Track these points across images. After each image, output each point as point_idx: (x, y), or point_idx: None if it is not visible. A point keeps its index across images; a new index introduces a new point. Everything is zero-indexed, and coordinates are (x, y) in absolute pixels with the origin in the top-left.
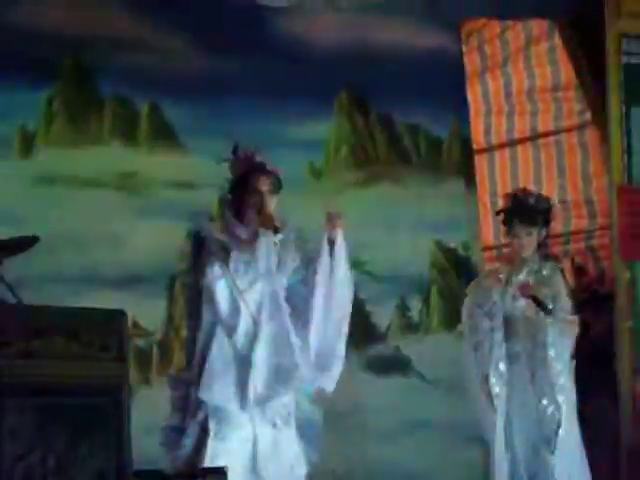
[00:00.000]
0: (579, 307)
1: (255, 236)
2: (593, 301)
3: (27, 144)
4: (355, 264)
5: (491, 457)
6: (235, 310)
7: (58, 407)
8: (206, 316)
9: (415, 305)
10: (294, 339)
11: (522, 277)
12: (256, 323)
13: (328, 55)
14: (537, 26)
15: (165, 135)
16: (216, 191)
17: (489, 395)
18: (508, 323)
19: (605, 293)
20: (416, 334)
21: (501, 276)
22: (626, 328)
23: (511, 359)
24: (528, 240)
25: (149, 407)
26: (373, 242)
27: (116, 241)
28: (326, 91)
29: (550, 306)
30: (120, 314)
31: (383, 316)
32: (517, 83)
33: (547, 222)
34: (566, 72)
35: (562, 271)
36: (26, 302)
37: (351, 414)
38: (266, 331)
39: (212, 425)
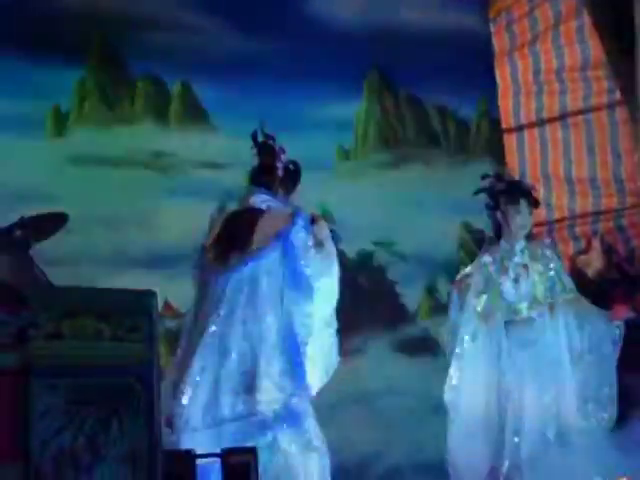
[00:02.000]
0: (609, 287)
1: None
2: (623, 281)
3: (60, 124)
4: (384, 245)
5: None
6: None
7: (88, 388)
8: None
9: (443, 286)
10: None
11: (518, 259)
12: None
13: (358, 36)
14: (566, 4)
15: (196, 115)
16: (246, 171)
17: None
18: (510, 308)
19: (636, 274)
20: (445, 315)
21: (491, 267)
22: None
23: (520, 345)
24: (530, 220)
25: None
26: (402, 224)
27: (148, 221)
28: (356, 72)
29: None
30: (150, 295)
31: (412, 297)
32: (546, 62)
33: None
34: (595, 50)
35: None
36: (57, 282)
37: (381, 394)
38: None
39: None
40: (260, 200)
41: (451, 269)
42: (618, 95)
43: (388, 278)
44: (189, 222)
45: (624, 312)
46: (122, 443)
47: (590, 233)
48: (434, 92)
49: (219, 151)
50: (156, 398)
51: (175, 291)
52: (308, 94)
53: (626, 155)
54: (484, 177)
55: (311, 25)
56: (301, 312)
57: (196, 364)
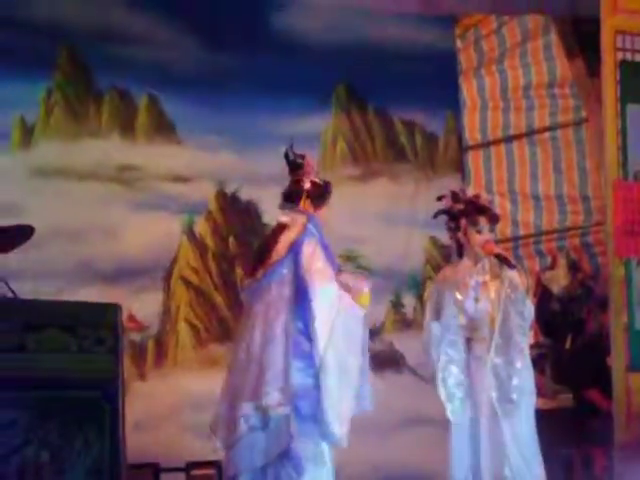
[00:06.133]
0: (574, 303)
1: None
2: (587, 297)
3: (26, 136)
4: (350, 259)
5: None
6: None
7: (52, 401)
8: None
9: (409, 301)
10: None
11: (479, 277)
12: None
13: (327, 51)
14: (533, 22)
15: (163, 128)
16: (213, 185)
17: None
18: (471, 325)
19: (599, 290)
20: (410, 330)
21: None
22: (620, 324)
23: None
24: (491, 237)
25: (144, 401)
26: (368, 237)
27: (113, 234)
28: (324, 87)
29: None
30: (115, 308)
31: (377, 312)
32: (513, 79)
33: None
34: (562, 68)
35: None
36: (22, 294)
37: None
38: None
39: None
40: (284, 214)
41: (417, 283)
42: (584, 113)
43: None
44: (155, 236)
45: None
46: (86, 457)
47: (556, 250)
48: (402, 107)
49: (185, 165)
50: (120, 412)
51: (139, 304)
52: (276, 108)
53: (592, 172)
54: (439, 198)
55: (279, 40)
56: (302, 318)
57: None
